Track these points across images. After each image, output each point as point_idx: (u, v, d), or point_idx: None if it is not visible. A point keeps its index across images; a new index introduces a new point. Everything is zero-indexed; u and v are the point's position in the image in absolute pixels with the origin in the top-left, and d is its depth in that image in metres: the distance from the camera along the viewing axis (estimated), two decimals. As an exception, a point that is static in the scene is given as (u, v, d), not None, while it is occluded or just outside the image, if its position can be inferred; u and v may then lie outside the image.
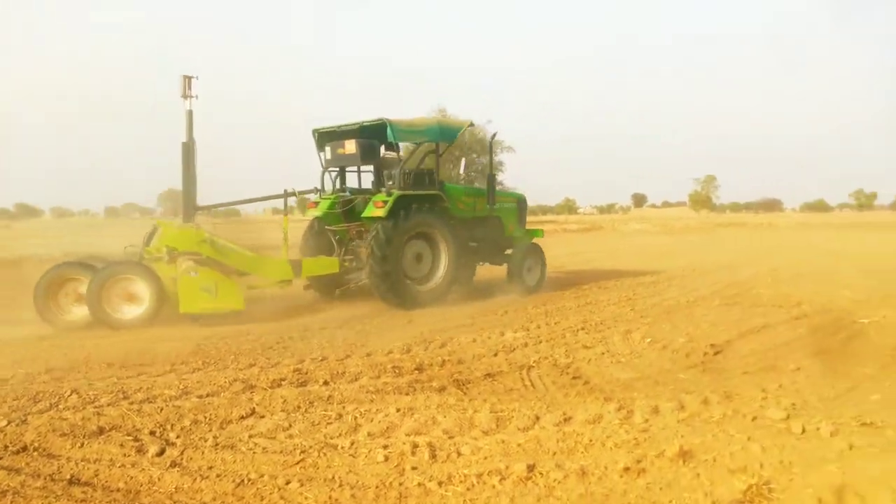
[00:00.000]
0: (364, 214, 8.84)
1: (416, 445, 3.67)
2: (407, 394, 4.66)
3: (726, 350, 6.00)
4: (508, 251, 10.41)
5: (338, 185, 9.90)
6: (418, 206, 8.85)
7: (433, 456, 3.56)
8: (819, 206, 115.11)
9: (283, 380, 5.05)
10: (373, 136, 9.37)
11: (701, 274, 12.99)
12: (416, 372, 5.26)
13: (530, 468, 3.39)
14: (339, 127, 9.49)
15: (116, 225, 44.38)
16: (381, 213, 8.53)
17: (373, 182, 9.97)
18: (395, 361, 5.59)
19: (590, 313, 8.17)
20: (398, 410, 4.25)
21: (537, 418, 4.11)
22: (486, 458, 3.55)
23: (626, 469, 3.36)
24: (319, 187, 9.70)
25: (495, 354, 5.90)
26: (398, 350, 6.02)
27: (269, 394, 4.67)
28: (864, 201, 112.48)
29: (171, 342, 6.54)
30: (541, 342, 6.38)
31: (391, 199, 8.60)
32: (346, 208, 9.31)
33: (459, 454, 3.61)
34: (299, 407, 4.39)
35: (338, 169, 9.88)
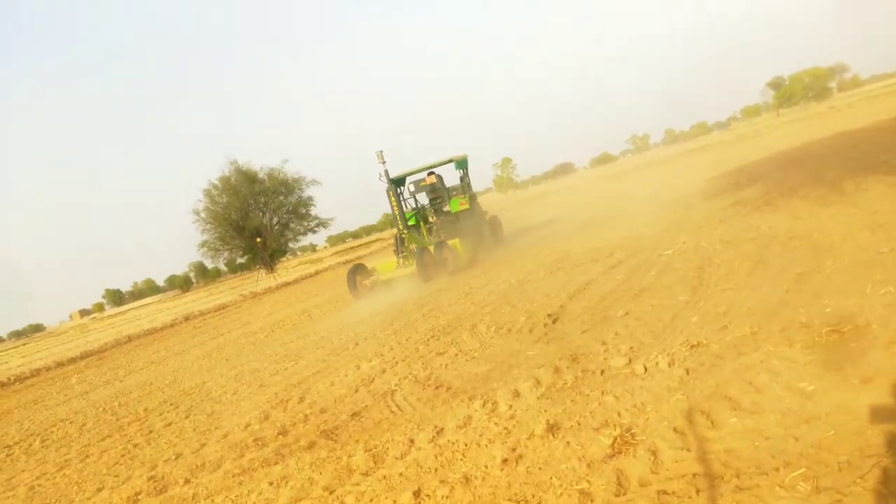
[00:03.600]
0: (453, 210, 14.93)
1: (298, 514, 3.51)
2: (276, 463, 4.43)
3: (562, 316, 6.35)
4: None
5: (410, 206, 14.89)
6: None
7: (319, 518, 3.42)
8: (605, 159, 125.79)
9: (139, 494, 4.61)
10: (439, 171, 15.42)
11: (523, 250, 13.72)
12: (281, 437, 5.02)
13: (416, 494, 3.36)
14: (410, 172, 15.05)
15: None
16: (466, 206, 14.87)
17: (430, 200, 15.37)
18: (256, 433, 5.30)
19: (435, 319, 8.28)
20: (271, 484, 4.03)
21: (412, 441, 4.09)
22: (371, 500, 3.47)
23: (505, 461, 3.44)
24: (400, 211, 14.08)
25: (356, 391, 5.80)
26: (256, 420, 5.71)
27: (128, 516, 4.24)
28: (641, 144, 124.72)
29: (-3, 497, 5.73)
30: (397, 363, 6.37)
31: (467, 198, 15.00)
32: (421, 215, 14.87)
33: (345, 506, 3.50)
34: (164, 518, 4.03)
35: (412, 196, 15.09)
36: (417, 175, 15.57)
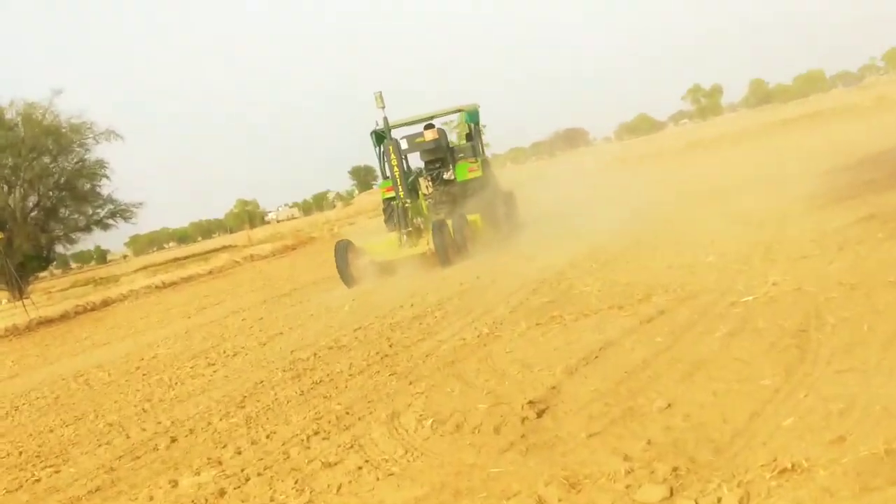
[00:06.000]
0: (460, 178, 18.95)
1: None
2: None
3: (555, 403, 6.38)
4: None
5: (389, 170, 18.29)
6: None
7: None
8: (642, 126, 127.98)
9: None
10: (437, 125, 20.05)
11: (491, 280, 13.73)
12: None
13: None
14: (401, 123, 19.71)
15: None
16: (478, 172, 18.77)
17: (427, 162, 19.86)
18: None
19: (325, 399, 8.26)
20: None
21: None
22: None
23: None
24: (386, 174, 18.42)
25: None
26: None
27: None
28: (708, 104, 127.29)
29: None
30: (247, 481, 6.29)
31: (479, 164, 18.98)
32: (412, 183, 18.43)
33: None
34: None
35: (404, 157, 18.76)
36: (407, 129, 20.16)
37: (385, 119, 17.24)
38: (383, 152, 18.69)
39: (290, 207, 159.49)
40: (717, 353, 6.70)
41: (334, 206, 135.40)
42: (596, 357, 7.41)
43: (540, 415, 6.21)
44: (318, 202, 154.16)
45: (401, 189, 17.10)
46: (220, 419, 8.39)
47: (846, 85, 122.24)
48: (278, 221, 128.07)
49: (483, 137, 20.15)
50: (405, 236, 17.07)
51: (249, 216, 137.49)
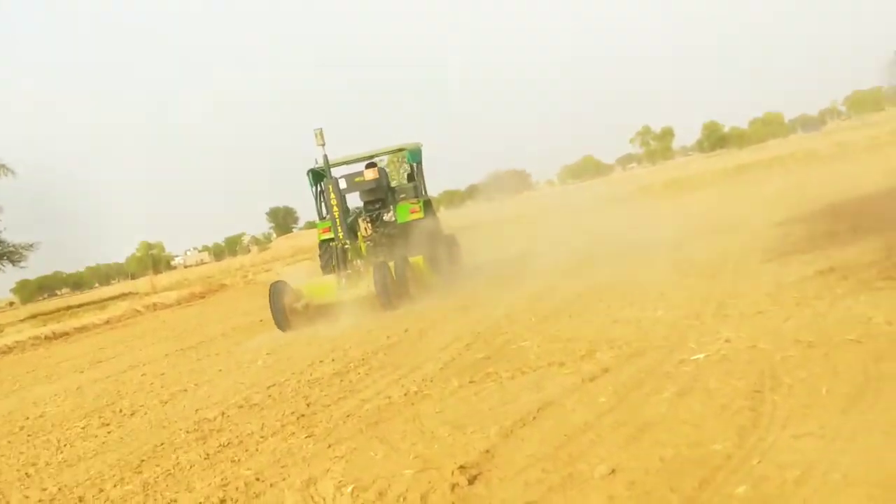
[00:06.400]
0: (401, 219, 19.90)
1: None
2: None
3: (488, 469, 6.26)
4: None
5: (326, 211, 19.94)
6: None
7: None
8: (588, 169, 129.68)
9: None
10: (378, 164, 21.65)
11: (420, 332, 13.60)
12: None
13: None
14: (340, 161, 20.85)
15: None
16: (419, 214, 19.67)
17: (366, 203, 20.79)
18: None
19: (233, 463, 8.11)
20: None
21: None
22: None
23: None
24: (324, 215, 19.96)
25: None
26: None
27: None
28: (658, 144, 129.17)
29: None
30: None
31: (420, 204, 19.91)
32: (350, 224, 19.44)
33: None
34: None
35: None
36: (346, 168, 21.38)
37: (325, 157, 18.04)
38: (321, 192, 19.79)
39: (200, 251, 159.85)
40: (665, 415, 6.65)
41: (249, 251, 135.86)
42: (534, 418, 7.32)
43: (472, 481, 6.09)
44: (232, 246, 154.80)
45: (340, 230, 18.07)
46: (114, 486, 8.21)
47: (806, 130, 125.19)
48: (186, 267, 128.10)
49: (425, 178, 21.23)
50: (344, 279, 17.91)
51: (154, 260, 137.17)
